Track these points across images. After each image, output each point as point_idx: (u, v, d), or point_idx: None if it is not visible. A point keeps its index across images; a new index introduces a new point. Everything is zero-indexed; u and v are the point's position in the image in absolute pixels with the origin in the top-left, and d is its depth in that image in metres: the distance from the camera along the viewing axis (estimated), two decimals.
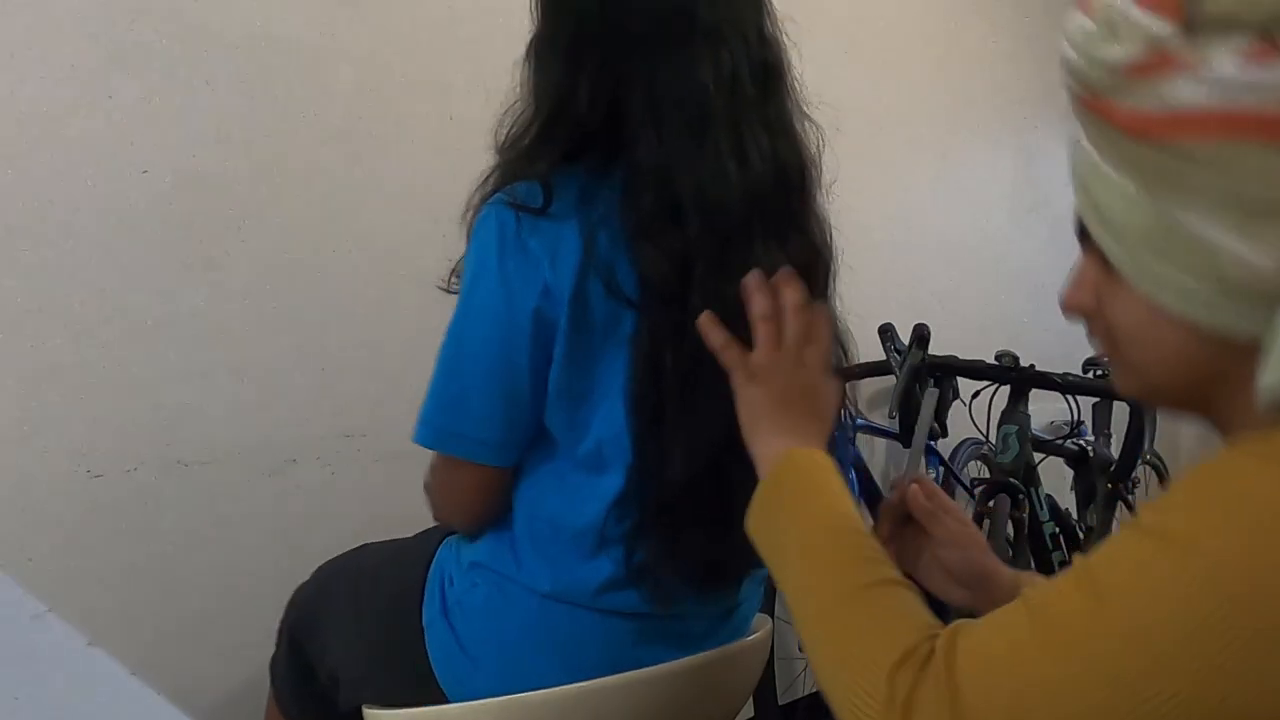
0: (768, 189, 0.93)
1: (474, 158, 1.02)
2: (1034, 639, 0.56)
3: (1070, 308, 0.71)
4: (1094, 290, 0.67)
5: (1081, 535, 2.49)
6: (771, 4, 1.00)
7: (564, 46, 0.95)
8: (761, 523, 0.79)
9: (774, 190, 0.94)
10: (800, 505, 0.76)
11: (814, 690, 2.43)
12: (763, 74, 0.95)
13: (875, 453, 2.69)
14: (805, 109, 1.01)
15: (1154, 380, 0.65)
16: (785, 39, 1.01)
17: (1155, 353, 0.63)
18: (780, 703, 2.24)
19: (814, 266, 0.99)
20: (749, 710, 2.11)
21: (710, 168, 0.90)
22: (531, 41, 0.99)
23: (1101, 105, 0.62)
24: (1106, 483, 2.51)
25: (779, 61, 0.99)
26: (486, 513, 1.02)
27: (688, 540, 0.95)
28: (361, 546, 1.21)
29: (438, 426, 0.95)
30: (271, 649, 1.24)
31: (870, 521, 0.82)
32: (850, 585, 0.69)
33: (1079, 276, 0.70)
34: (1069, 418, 2.36)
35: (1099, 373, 2.46)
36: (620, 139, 0.92)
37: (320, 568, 1.21)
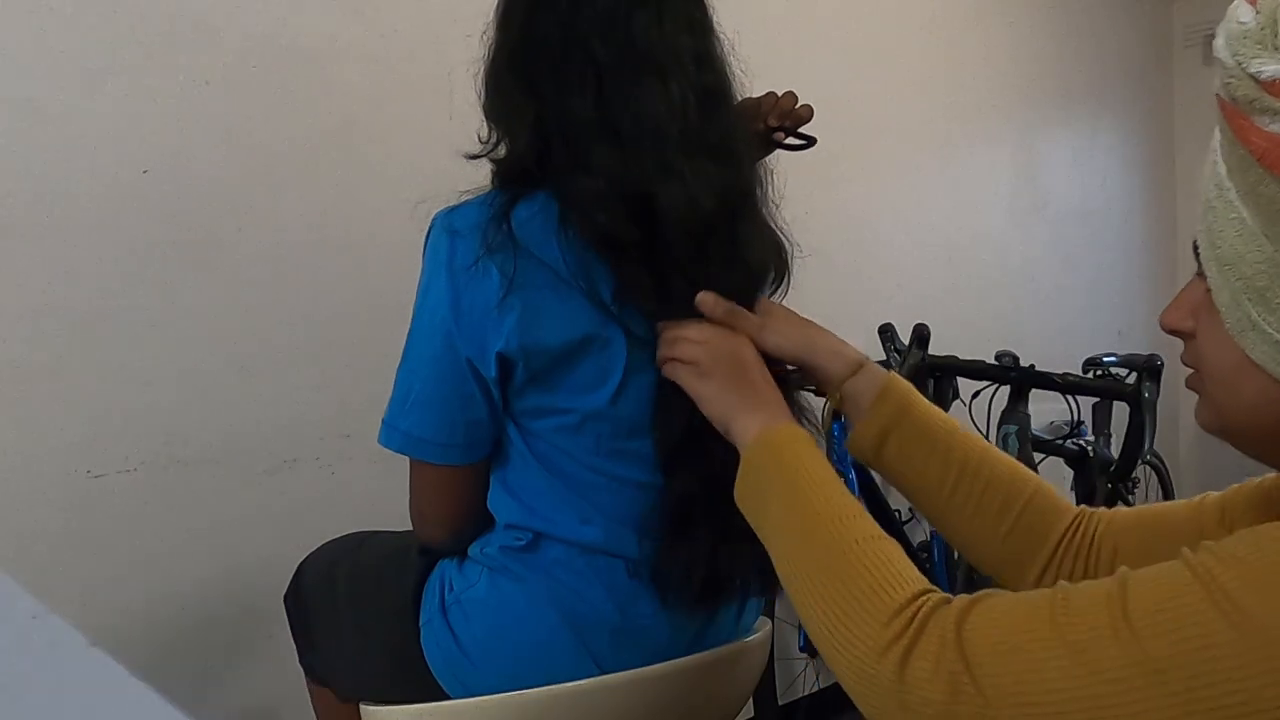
0: (711, 213, 0.95)
1: (474, 159, 1.02)
2: (1051, 633, 0.55)
3: (1167, 327, 0.67)
4: (1193, 315, 0.63)
5: None
6: (715, 27, 1.01)
7: (521, 72, 0.97)
8: (748, 494, 0.82)
9: (716, 214, 0.96)
10: (782, 475, 0.79)
11: (814, 690, 2.43)
12: (703, 99, 0.96)
13: None
14: (748, 128, 1.04)
15: (1234, 424, 0.62)
16: (733, 61, 1.01)
17: (1238, 399, 0.60)
18: (780, 703, 2.24)
19: (756, 287, 1.02)
20: (749, 710, 2.11)
21: (668, 195, 0.92)
22: (489, 64, 1.00)
23: (1240, 120, 0.54)
24: (1106, 483, 2.51)
25: (720, 86, 0.99)
26: (457, 516, 1.03)
27: (692, 548, 0.96)
28: (372, 533, 1.22)
29: (397, 430, 0.98)
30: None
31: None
32: (838, 541, 0.70)
33: (1182, 297, 0.65)
34: (1069, 418, 2.36)
35: (1099, 373, 2.46)
36: (559, 166, 0.95)
37: (323, 547, 1.22)
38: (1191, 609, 0.51)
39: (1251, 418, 0.60)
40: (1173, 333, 0.67)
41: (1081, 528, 0.87)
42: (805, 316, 1.00)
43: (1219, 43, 0.54)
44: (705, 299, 0.94)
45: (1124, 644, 0.52)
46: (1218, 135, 0.57)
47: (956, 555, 2.48)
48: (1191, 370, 0.67)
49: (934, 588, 0.65)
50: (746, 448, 0.84)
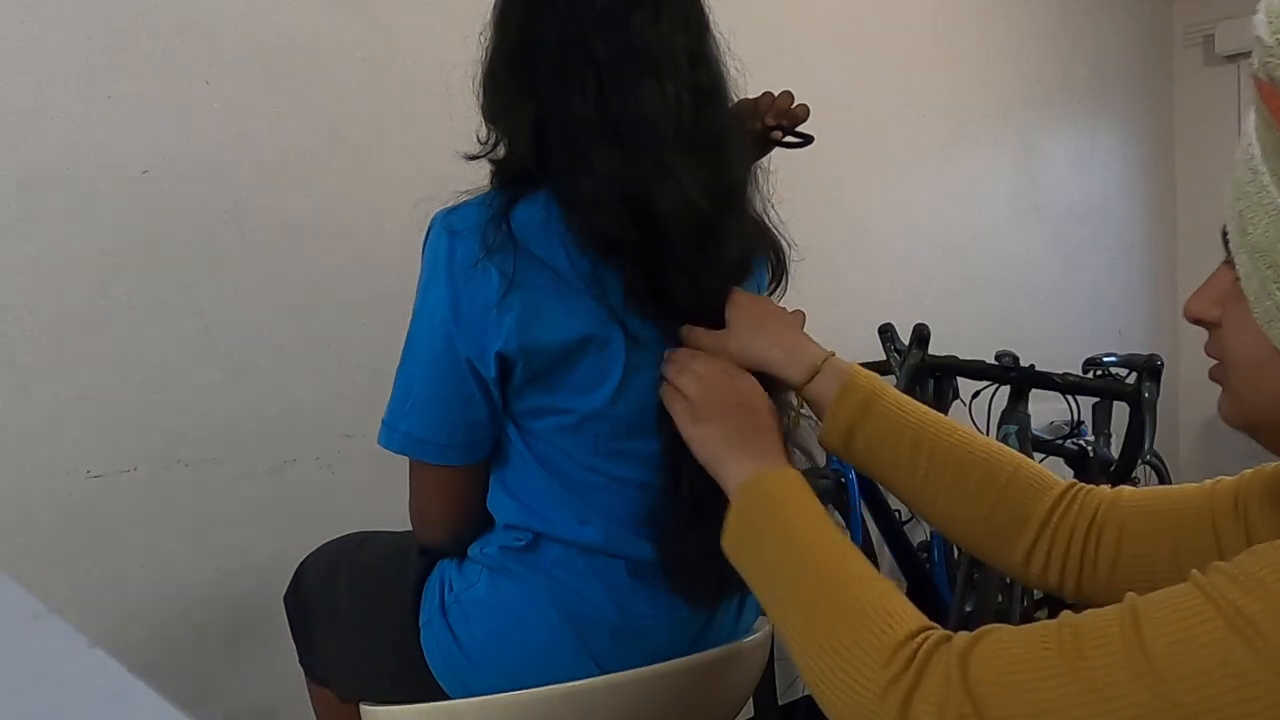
0: (708, 212, 0.95)
1: (473, 160, 1.02)
2: (1063, 668, 0.53)
3: (1191, 316, 0.65)
4: (1220, 303, 0.61)
5: None
6: (711, 26, 1.01)
7: (520, 72, 0.97)
8: (737, 543, 0.80)
9: (713, 213, 0.96)
10: (772, 520, 0.77)
11: None
12: (698, 98, 0.97)
13: None
14: (741, 127, 1.04)
15: (1258, 418, 0.60)
16: (728, 60, 1.02)
17: (1263, 391, 0.58)
18: (780, 703, 2.24)
19: (743, 284, 1.03)
20: (749, 710, 2.11)
21: (666, 195, 0.92)
22: (487, 65, 1.00)
23: (1276, 98, 0.52)
24: (1107, 483, 2.51)
25: (714, 85, 1.00)
26: (457, 516, 1.03)
27: (702, 542, 0.96)
28: (372, 533, 1.22)
29: (397, 430, 0.97)
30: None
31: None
32: (831, 582, 0.69)
33: (1209, 286, 0.63)
34: (1069, 418, 2.36)
35: (1099, 373, 2.46)
36: (558, 166, 0.95)
37: (323, 547, 1.22)
38: (1212, 637, 0.49)
39: (1276, 411, 0.58)
40: (1197, 322, 0.65)
41: (1077, 504, 0.85)
42: (775, 310, 0.98)
43: (1259, 19, 0.52)
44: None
45: (1142, 678, 0.50)
46: (1252, 118, 0.55)
47: (957, 555, 2.49)
48: (1215, 362, 0.65)
49: (933, 625, 0.63)
50: (734, 496, 0.82)
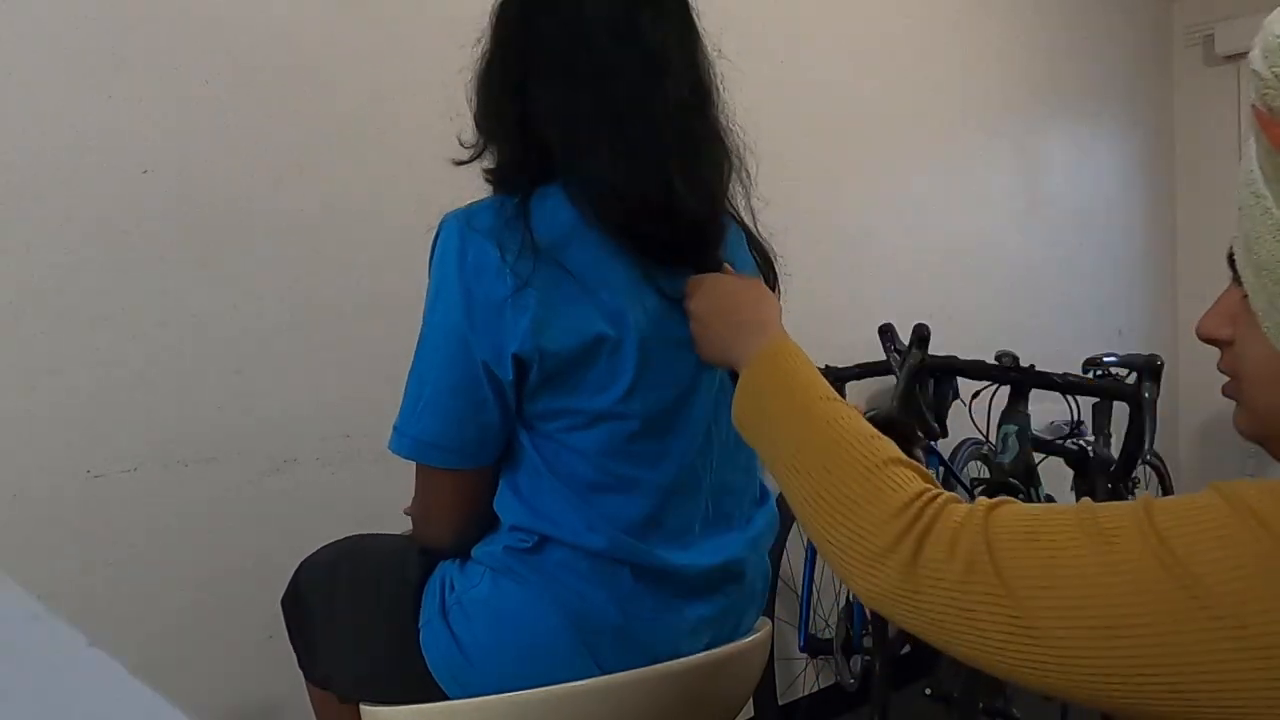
0: (716, 205, 0.98)
1: (475, 160, 1.02)
2: (1077, 529, 0.57)
3: (1203, 335, 0.69)
4: (1231, 322, 0.65)
5: None
6: (699, 26, 1.03)
7: (515, 77, 0.98)
8: (746, 410, 0.84)
9: (717, 206, 0.99)
10: (778, 385, 0.82)
11: (814, 690, 2.43)
12: (691, 95, 0.98)
13: None
14: (729, 126, 1.05)
15: (1272, 429, 0.63)
16: (715, 59, 1.04)
17: (1276, 404, 0.61)
18: (780, 703, 2.24)
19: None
20: (749, 710, 2.11)
21: (677, 188, 0.94)
22: (482, 72, 1.01)
23: (1275, 127, 0.56)
24: (1106, 483, 2.51)
25: (705, 82, 1.02)
26: (463, 519, 1.03)
27: None
28: (371, 535, 1.22)
29: (407, 435, 0.98)
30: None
31: None
32: (842, 439, 0.72)
33: (1219, 306, 0.68)
34: (1069, 418, 2.36)
35: (1099, 373, 2.46)
36: (564, 168, 0.96)
37: (320, 550, 1.22)
38: (1214, 516, 0.53)
39: None
40: (1210, 341, 0.69)
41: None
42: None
43: (1255, 54, 0.56)
44: None
45: (1146, 540, 0.54)
46: (1253, 144, 0.58)
47: None
48: (1227, 379, 0.68)
49: (936, 485, 0.68)
50: (745, 368, 0.86)
